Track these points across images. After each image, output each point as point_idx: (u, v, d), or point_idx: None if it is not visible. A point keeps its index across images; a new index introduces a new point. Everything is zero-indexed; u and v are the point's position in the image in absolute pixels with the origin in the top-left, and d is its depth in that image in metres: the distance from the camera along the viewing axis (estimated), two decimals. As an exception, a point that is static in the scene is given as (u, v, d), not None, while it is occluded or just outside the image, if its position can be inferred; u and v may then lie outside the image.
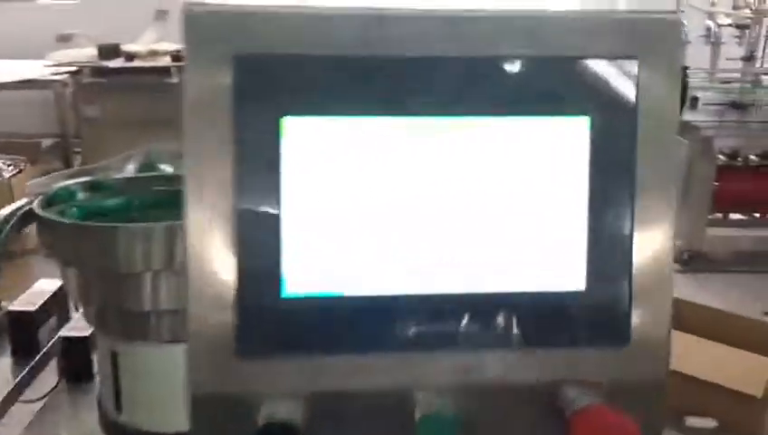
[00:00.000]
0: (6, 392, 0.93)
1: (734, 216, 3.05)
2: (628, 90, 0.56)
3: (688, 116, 2.77)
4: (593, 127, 0.56)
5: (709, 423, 1.48)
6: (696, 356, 1.43)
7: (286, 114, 0.53)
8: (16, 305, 1.01)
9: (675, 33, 0.57)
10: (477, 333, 0.56)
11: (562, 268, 0.56)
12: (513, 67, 0.55)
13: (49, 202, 0.83)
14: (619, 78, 0.56)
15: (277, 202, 0.53)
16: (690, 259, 2.74)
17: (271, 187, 0.53)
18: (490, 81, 0.55)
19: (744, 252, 2.91)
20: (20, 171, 1.81)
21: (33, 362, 0.97)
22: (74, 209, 0.84)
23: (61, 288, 1.02)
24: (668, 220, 0.57)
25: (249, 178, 0.53)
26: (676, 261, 0.57)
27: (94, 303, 0.78)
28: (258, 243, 0.54)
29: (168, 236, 0.70)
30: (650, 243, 0.56)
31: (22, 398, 0.94)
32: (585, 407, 0.54)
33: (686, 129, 2.66)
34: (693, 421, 1.46)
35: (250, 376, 0.54)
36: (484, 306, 0.56)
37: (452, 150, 0.54)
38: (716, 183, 2.75)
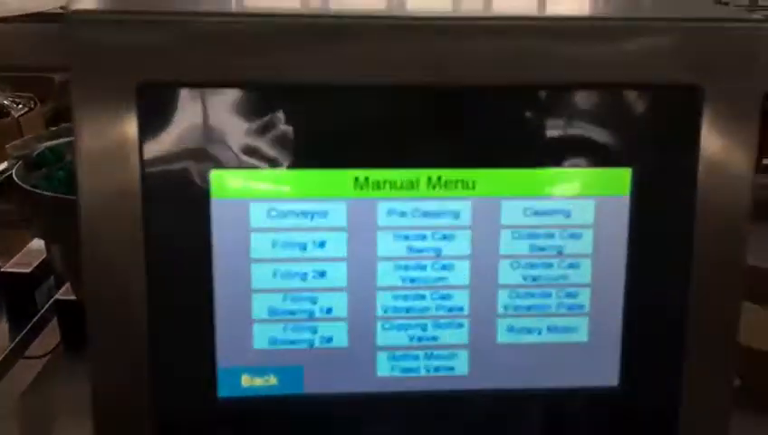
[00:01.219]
0: (5, 354, 0.91)
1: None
2: (685, 134, 0.42)
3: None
4: (636, 183, 0.43)
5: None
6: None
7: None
8: (10, 267, 0.99)
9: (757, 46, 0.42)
10: None
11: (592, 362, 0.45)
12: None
13: (34, 165, 0.78)
14: (673, 116, 0.43)
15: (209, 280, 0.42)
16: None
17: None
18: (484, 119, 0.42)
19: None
20: (30, 110, 1.74)
21: (30, 324, 0.95)
22: (61, 172, 0.79)
23: (56, 249, 0.99)
24: (731, 303, 0.44)
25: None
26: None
27: (80, 277, 0.74)
28: (179, 335, 0.42)
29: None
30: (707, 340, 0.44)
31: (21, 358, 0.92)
32: None
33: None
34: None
35: None
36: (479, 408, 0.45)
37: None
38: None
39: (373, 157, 0.41)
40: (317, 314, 0.43)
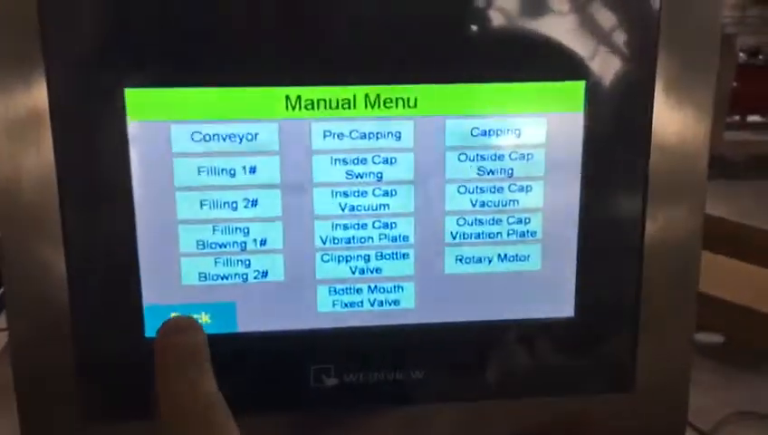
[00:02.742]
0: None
1: (753, 118, 2.90)
2: (642, 45, 0.40)
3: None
4: (590, 98, 0.40)
5: (716, 339, 1.43)
6: (704, 271, 1.34)
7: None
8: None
9: None
10: (425, 380, 0.42)
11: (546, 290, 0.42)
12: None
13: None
14: (630, 26, 0.39)
15: (130, 213, 0.38)
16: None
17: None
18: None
19: (763, 157, 2.77)
20: None
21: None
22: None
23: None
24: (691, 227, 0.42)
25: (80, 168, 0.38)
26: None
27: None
28: (101, 274, 0.39)
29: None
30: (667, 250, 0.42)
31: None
32: None
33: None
34: (699, 337, 1.41)
35: None
36: (428, 343, 0.42)
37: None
38: (735, 83, 2.57)
39: (305, 74, 0.38)
40: (250, 247, 0.39)
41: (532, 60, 0.39)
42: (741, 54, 2.60)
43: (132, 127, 0.37)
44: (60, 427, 0.40)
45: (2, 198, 0.38)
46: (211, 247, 0.39)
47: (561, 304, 0.41)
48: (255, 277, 0.40)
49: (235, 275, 0.40)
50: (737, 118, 2.80)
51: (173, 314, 0.39)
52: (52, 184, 0.38)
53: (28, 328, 0.39)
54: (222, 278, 0.39)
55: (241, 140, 0.38)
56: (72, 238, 0.38)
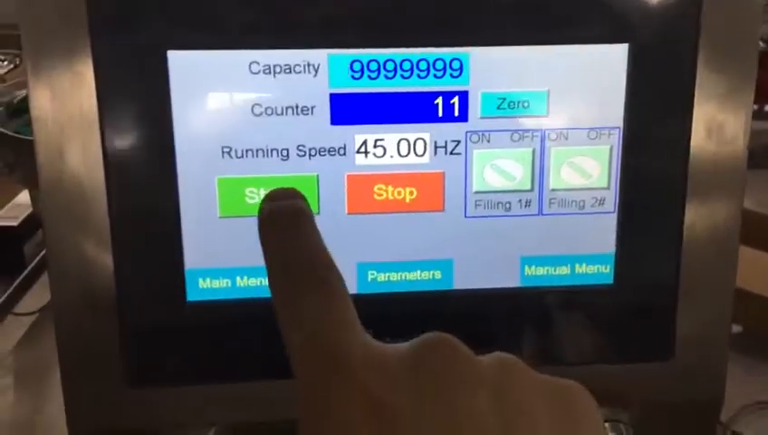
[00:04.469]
0: (-6, 309, 0.89)
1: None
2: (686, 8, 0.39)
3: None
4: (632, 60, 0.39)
5: (734, 329, 1.41)
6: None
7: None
8: (-3, 220, 0.97)
9: None
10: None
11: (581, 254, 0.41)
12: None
13: (13, 113, 0.77)
14: None
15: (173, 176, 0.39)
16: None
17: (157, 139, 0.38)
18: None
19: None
20: (15, 67, 1.72)
21: (20, 279, 0.94)
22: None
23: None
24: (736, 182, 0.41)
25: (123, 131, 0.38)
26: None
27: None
28: (146, 226, 0.40)
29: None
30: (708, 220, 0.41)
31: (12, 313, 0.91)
32: None
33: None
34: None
35: (150, 407, 0.41)
36: (475, 309, 0.42)
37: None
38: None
39: (347, 36, 0.38)
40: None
41: (576, 22, 0.39)
42: (761, 44, 2.56)
43: (175, 86, 0.38)
44: (103, 393, 0.41)
45: (46, 163, 0.39)
46: (251, 212, 0.40)
47: (601, 272, 0.42)
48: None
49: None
50: (756, 107, 2.76)
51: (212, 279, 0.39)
52: (97, 149, 0.38)
53: (72, 295, 0.40)
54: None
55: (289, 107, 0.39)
56: (117, 204, 0.39)
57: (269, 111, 0.38)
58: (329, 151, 0.39)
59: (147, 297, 0.40)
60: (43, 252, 0.97)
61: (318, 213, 0.40)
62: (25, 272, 0.95)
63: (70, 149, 0.38)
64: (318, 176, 0.39)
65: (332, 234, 0.43)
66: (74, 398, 0.40)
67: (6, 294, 0.92)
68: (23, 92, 0.82)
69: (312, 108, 0.39)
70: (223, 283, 0.40)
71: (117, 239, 0.39)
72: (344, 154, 0.39)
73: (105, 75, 0.37)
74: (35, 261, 0.97)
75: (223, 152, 0.39)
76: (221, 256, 0.40)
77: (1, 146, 0.72)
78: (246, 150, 0.39)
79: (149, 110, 0.38)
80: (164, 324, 0.40)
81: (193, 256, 0.40)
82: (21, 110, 0.79)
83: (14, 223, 0.96)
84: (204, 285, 0.40)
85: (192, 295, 0.40)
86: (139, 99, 0.38)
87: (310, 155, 0.39)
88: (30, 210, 0.98)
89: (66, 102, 0.38)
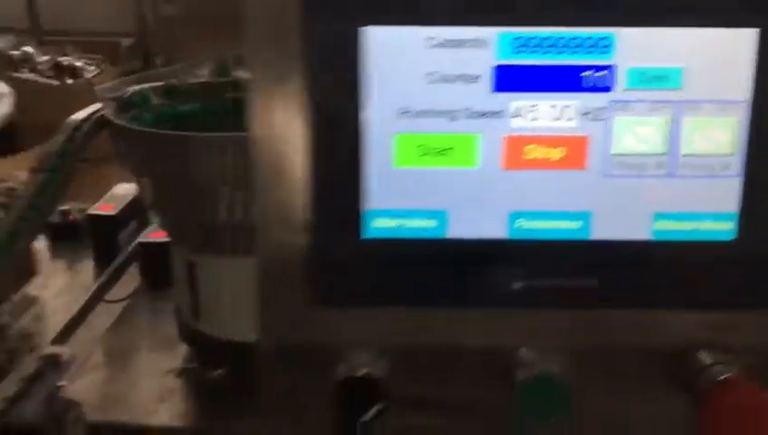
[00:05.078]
0: (89, 295, 0.94)
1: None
2: None
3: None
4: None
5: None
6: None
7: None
8: (96, 209, 1.02)
9: None
10: (599, 288, 0.48)
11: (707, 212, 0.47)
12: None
13: (123, 108, 0.82)
14: None
15: (358, 119, 0.46)
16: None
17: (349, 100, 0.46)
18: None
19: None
20: (101, 72, 1.80)
21: (113, 267, 0.98)
22: (148, 115, 0.83)
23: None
24: None
25: (324, 92, 0.46)
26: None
27: (169, 213, 0.77)
28: (335, 173, 0.47)
29: (243, 147, 0.68)
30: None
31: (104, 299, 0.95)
32: (728, 379, 0.46)
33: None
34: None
35: (329, 326, 0.49)
36: (609, 257, 0.48)
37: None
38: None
39: (517, 17, 0.45)
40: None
41: (713, 8, 0.45)
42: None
43: (367, 56, 0.45)
44: (291, 310, 0.48)
45: (258, 122, 0.46)
46: (421, 163, 0.46)
47: (724, 229, 0.47)
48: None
49: (447, 185, 0.46)
50: None
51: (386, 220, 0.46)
52: (303, 102, 0.45)
53: (272, 231, 0.47)
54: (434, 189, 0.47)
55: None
56: (315, 147, 0.46)
57: (441, 79, 0.45)
58: (490, 114, 0.46)
59: (332, 232, 0.47)
60: (136, 241, 1.03)
61: (478, 166, 0.46)
62: (119, 260, 1.00)
63: (277, 114, 0.46)
64: (479, 135, 0.46)
65: (488, 186, 0.50)
66: (267, 315, 0.47)
67: (100, 282, 0.97)
68: (130, 90, 0.87)
69: (478, 77, 0.45)
70: (393, 223, 0.47)
71: (312, 186, 0.46)
72: (502, 117, 0.46)
73: (312, 49, 0.45)
74: (128, 250, 1.01)
75: (401, 113, 0.46)
76: (393, 200, 0.46)
77: (115, 137, 0.77)
78: (421, 111, 0.46)
79: (345, 77, 0.45)
80: (344, 256, 0.47)
81: (370, 200, 0.46)
82: (131, 104, 0.84)
83: (112, 212, 1.01)
84: (377, 225, 0.47)
85: (367, 233, 0.47)
86: (337, 68, 0.45)
87: (473, 117, 0.46)
88: (127, 200, 1.02)
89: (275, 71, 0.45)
